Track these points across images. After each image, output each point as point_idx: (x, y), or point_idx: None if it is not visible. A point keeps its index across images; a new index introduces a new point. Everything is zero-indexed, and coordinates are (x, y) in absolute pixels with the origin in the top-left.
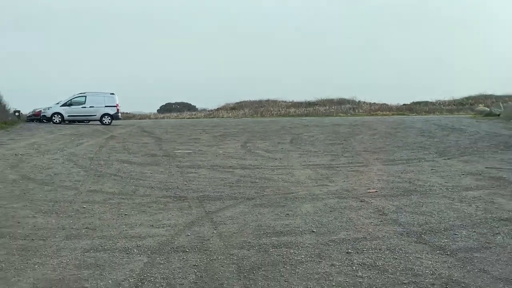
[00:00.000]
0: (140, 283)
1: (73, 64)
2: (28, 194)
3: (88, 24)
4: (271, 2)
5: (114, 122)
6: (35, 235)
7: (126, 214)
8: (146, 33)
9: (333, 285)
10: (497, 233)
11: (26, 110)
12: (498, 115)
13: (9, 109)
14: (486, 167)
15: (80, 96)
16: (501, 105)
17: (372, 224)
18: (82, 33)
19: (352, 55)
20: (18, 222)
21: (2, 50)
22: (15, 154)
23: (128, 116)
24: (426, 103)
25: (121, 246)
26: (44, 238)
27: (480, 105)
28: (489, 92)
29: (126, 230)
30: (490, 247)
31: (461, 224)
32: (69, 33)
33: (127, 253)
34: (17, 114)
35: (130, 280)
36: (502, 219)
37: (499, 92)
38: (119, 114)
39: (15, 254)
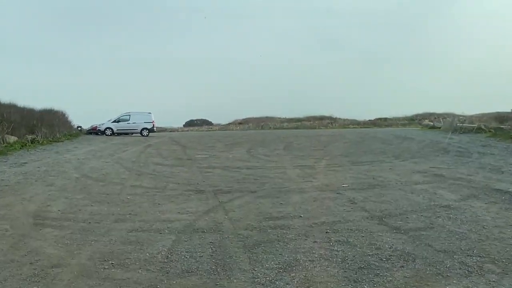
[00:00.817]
0: (170, 255)
1: (118, 87)
2: (86, 189)
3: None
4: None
5: (150, 134)
6: (91, 219)
7: (159, 204)
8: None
9: (316, 257)
10: (438, 217)
11: (86, 125)
12: (439, 128)
13: (73, 125)
14: (430, 167)
15: (125, 115)
16: (441, 120)
17: (345, 210)
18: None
19: (327, 79)
20: (80, 210)
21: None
22: (78, 159)
23: (161, 130)
24: (386, 118)
25: (156, 228)
26: (98, 222)
27: (426, 120)
28: (432, 110)
29: (159, 215)
30: (433, 227)
31: (412, 210)
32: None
33: (160, 233)
34: (79, 128)
35: (162, 253)
36: (442, 206)
37: (440, 110)
38: (155, 128)
39: (77, 233)
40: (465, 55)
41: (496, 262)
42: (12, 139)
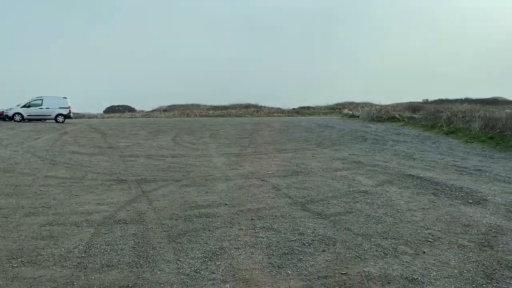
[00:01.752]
0: (88, 249)
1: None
2: None
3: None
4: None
5: (67, 120)
6: None
7: (76, 195)
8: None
9: (241, 244)
10: (357, 202)
11: None
12: (358, 116)
13: None
14: (350, 154)
15: (37, 99)
16: (360, 109)
17: (270, 197)
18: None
19: (257, 69)
20: None
21: None
22: None
23: (79, 116)
24: (308, 107)
25: (72, 220)
26: (6, 216)
27: (346, 109)
28: (351, 100)
29: (76, 207)
30: (352, 212)
31: (332, 196)
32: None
33: (77, 226)
34: None
35: (80, 248)
36: (360, 192)
37: (358, 99)
38: (71, 114)
39: None
40: (387, 49)
41: (409, 243)
42: None
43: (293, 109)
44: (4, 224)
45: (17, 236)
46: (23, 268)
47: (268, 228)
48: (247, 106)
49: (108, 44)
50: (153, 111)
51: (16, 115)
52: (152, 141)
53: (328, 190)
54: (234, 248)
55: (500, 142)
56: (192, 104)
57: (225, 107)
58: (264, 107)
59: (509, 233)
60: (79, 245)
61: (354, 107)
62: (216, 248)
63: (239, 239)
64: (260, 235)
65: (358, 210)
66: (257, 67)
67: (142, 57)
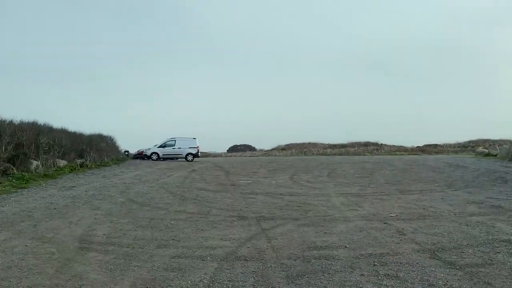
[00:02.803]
0: (211, 284)
1: (162, 111)
2: (131, 213)
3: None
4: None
5: (195, 159)
6: (135, 244)
7: (202, 230)
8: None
9: None
10: (498, 252)
11: (132, 150)
12: (495, 155)
13: (121, 149)
14: (487, 197)
15: (171, 140)
16: (497, 147)
17: (393, 242)
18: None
19: (374, 105)
20: (124, 234)
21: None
22: (124, 183)
23: (205, 155)
24: (435, 145)
25: (198, 254)
26: (142, 247)
27: (480, 147)
28: (486, 136)
29: (202, 242)
30: (493, 264)
31: (467, 244)
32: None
33: (203, 260)
34: (126, 153)
35: (204, 281)
36: (502, 240)
37: (495, 136)
38: (199, 153)
39: (121, 258)
40: None
41: None
42: (62, 163)
43: (418, 147)
44: (140, 255)
45: (151, 266)
46: None
47: (393, 276)
48: (366, 144)
49: (231, 87)
50: (272, 149)
51: (153, 154)
52: (271, 179)
53: (462, 237)
54: None
55: None
56: (309, 143)
57: (343, 145)
58: (385, 145)
59: None
60: (203, 279)
61: (490, 144)
62: None
63: (361, 285)
64: (384, 283)
65: (500, 262)
66: (376, 104)
67: (263, 98)
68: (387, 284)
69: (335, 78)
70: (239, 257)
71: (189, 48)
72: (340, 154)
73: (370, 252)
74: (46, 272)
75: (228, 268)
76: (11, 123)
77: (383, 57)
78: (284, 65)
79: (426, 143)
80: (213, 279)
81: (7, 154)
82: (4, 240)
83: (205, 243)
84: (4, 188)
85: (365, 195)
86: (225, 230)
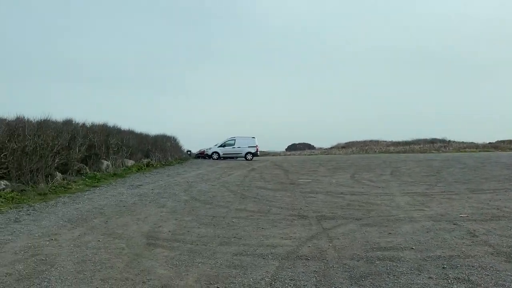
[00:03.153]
0: (273, 282)
1: (221, 110)
2: (194, 211)
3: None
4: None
5: (254, 158)
6: (199, 241)
7: (263, 228)
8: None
9: None
10: None
11: (194, 150)
12: None
13: (183, 149)
14: None
15: (231, 139)
16: None
17: (464, 244)
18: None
19: (441, 99)
20: (188, 231)
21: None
22: (187, 182)
23: (264, 154)
24: (510, 141)
25: (259, 252)
26: (205, 244)
27: None
28: None
29: (262, 240)
30: None
31: None
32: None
33: (264, 258)
34: (188, 152)
35: (266, 280)
36: None
37: None
38: (258, 152)
39: (185, 254)
40: None
41: None
42: (130, 162)
43: (490, 143)
44: (204, 251)
45: (214, 263)
46: None
47: (464, 279)
48: (433, 141)
49: (288, 86)
50: (331, 148)
51: (214, 154)
52: (331, 178)
53: None
54: None
55: None
56: (371, 141)
57: (407, 143)
58: (453, 141)
59: None
60: (265, 277)
61: None
62: None
63: None
64: (454, 286)
65: None
66: (443, 98)
67: (322, 96)
68: None
69: (398, 72)
70: (300, 256)
71: (246, 46)
72: (404, 152)
73: (439, 254)
74: (117, 266)
75: (290, 267)
76: (83, 125)
77: (449, 49)
78: (343, 61)
79: (499, 139)
80: (274, 277)
81: (80, 155)
82: (79, 235)
83: (266, 241)
84: (78, 187)
85: (432, 195)
86: (286, 229)
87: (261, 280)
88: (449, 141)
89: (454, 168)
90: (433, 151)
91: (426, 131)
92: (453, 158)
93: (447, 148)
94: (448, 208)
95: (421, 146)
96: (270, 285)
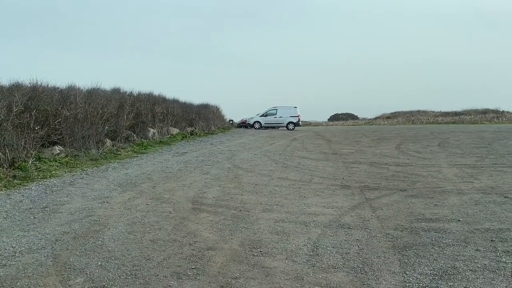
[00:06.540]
0: (315, 249)
1: (266, 83)
2: (237, 178)
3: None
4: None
5: (296, 128)
6: (242, 207)
7: (304, 197)
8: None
9: (479, 267)
10: None
11: (237, 119)
12: None
13: (226, 119)
14: None
15: (273, 109)
16: None
17: None
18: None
19: (492, 66)
20: (231, 198)
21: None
22: (230, 150)
23: (306, 124)
24: None
25: (301, 220)
26: (248, 210)
27: None
28: None
29: (304, 208)
30: None
31: None
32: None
33: (306, 226)
34: (231, 122)
35: (308, 246)
36: None
37: None
38: (300, 122)
39: (229, 219)
40: None
41: None
42: (175, 131)
43: None
44: (247, 217)
45: (257, 229)
46: (261, 258)
47: None
48: (485, 111)
49: (332, 55)
50: (375, 118)
51: (256, 123)
52: (375, 149)
53: None
54: (470, 270)
55: None
56: (418, 111)
57: (456, 113)
58: (508, 112)
59: None
60: (307, 244)
61: None
62: (448, 267)
63: (476, 261)
64: (503, 259)
65: None
66: (498, 67)
67: (365, 66)
68: (507, 261)
69: (449, 39)
70: (343, 225)
71: (285, 10)
72: (454, 123)
73: (487, 227)
74: (165, 229)
75: (332, 235)
76: (131, 94)
77: (505, 13)
78: (389, 27)
79: None
80: (316, 244)
81: (128, 123)
82: (129, 199)
83: (307, 209)
84: (127, 153)
85: (482, 167)
86: (328, 198)
87: (303, 246)
88: (503, 111)
89: (507, 140)
90: (484, 122)
91: (478, 101)
92: (506, 129)
93: (500, 119)
94: (499, 181)
95: (472, 116)
96: (313, 251)
